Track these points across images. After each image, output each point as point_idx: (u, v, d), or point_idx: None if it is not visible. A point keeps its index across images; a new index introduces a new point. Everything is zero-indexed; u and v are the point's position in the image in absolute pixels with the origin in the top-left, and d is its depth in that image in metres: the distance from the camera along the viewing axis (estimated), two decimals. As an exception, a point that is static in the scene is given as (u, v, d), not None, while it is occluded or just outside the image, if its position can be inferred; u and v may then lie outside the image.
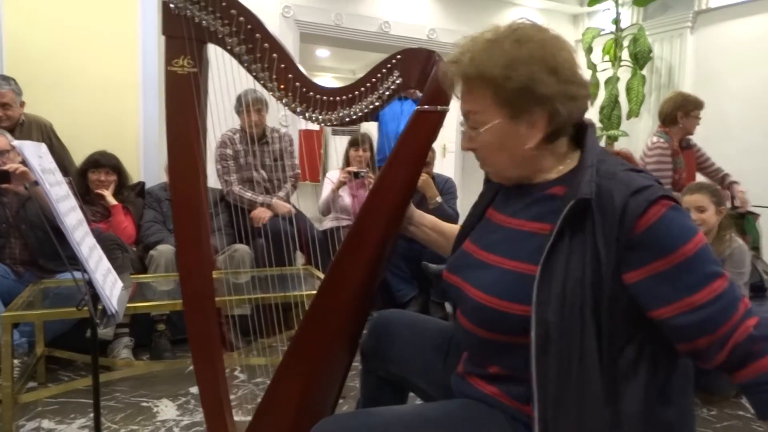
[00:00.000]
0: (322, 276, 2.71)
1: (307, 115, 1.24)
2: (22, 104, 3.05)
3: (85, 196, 2.98)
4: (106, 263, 1.41)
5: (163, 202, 3.18)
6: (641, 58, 4.72)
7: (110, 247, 2.62)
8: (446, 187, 3.48)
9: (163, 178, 3.35)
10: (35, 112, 3.17)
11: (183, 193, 1.26)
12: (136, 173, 3.53)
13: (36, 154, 1.20)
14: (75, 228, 1.26)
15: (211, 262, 1.29)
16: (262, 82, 1.24)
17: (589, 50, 4.98)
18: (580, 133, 0.99)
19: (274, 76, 1.22)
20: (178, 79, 1.22)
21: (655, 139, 3.45)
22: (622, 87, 4.86)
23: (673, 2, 4.95)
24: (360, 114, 1.24)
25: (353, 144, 3.56)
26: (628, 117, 4.84)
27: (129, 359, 2.65)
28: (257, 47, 1.21)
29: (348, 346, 1.27)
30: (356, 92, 1.23)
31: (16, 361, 2.28)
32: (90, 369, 2.38)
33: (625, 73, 4.89)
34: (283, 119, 4.38)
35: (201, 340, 1.30)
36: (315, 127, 7.87)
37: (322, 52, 7.49)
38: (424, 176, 3.17)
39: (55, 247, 2.56)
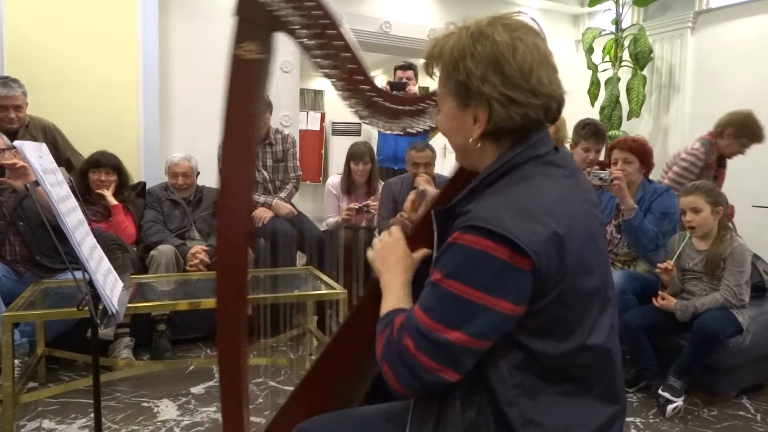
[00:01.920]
0: (323, 277, 2.72)
1: (370, 120, 1.22)
2: (26, 105, 3.06)
3: (86, 195, 2.98)
4: (106, 263, 1.41)
5: (164, 202, 3.18)
6: (642, 58, 4.72)
7: (111, 247, 2.62)
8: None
9: (164, 178, 3.35)
10: (36, 112, 3.17)
11: (233, 182, 1.22)
12: (136, 173, 3.53)
13: (36, 154, 1.19)
14: (76, 228, 1.26)
15: (246, 259, 1.26)
16: (330, 79, 1.21)
17: (589, 50, 4.98)
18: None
19: (343, 76, 1.20)
20: (242, 64, 1.19)
21: (697, 145, 3.28)
22: (622, 87, 4.86)
23: (673, 2, 4.96)
24: (420, 129, 1.22)
25: (353, 157, 3.44)
26: (629, 117, 4.84)
27: (129, 359, 2.65)
28: (329, 44, 1.18)
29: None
30: (421, 105, 1.21)
31: (16, 361, 2.28)
32: (90, 369, 2.39)
33: (625, 74, 4.89)
34: (284, 120, 4.39)
35: (229, 337, 1.28)
36: (316, 127, 7.89)
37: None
38: (425, 177, 3.16)
39: (54, 244, 2.58)
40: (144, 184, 3.34)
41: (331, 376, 1.20)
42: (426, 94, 1.21)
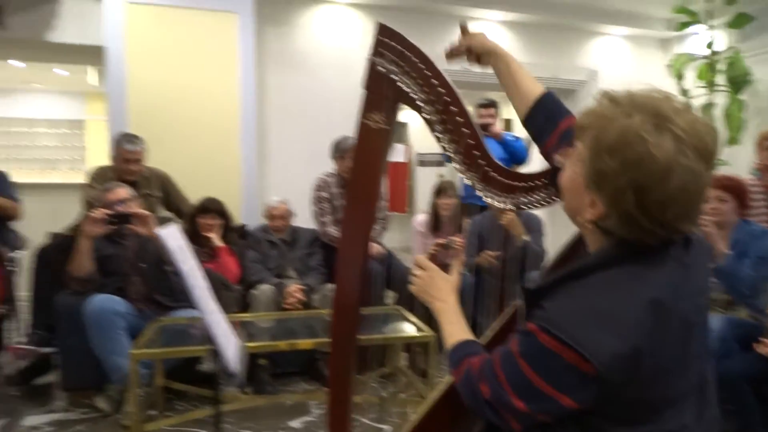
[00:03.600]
0: (411, 318, 2.82)
1: (485, 194, 1.25)
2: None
3: (195, 238, 3.28)
4: (225, 324, 1.59)
5: (263, 242, 3.43)
6: (739, 82, 4.52)
7: (217, 286, 2.87)
8: (531, 224, 3.44)
9: (262, 219, 3.61)
10: (150, 162, 3.54)
11: (354, 238, 1.33)
12: (237, 215, 3.83)
13: (172, 237, 1.41)
14: (203, 297, 1.45)
15: (358, 303, 1.36)
16: (448, 153, 1.27)
17: (679, 76, 4.83)
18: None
19: (461, 150, 1.25)
20: (369, 132, 1.29)
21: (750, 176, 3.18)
22: (718, 113, 4.65)
23: (772, 22, 4.72)
24: (536, 203, 1.24)
25: (439, 192, 3.58)
26: (729, 144, 4.62)
27: (235, 393, 2.86)
28: (451, 120, 1.25)
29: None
30: (535, 182, 1.24)
31: (138, 391, 2.54)
32: (203, 400, 2.62)
33: (721, 99, 4.69)
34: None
35: (340, 377, 1.39)
36: (402, 159, 8.07)
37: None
38: (509, 215, 3.20)
39: (170, 283, 2.86)
40: (244, 226, 3.61)
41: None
42: (542, 172, 1.23)
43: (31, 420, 2.68)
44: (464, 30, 1.34)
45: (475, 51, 1.32)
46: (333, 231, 3.45)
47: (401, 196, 7.51)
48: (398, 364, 2.88)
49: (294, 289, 3.13)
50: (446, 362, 1.07)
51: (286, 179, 4.26)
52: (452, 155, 1.26)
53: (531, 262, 3.18)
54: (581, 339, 0.82)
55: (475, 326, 2.94)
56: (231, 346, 1.51)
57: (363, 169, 1.33)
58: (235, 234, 3.46)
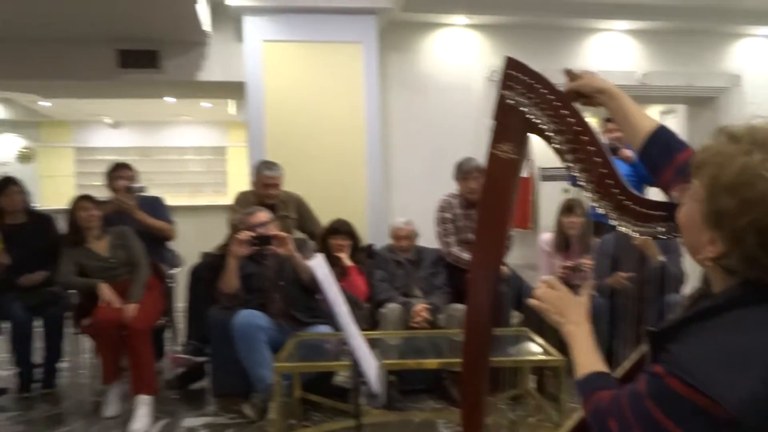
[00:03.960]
0: (539, 340, 2.78)
1: (620, 223, 1.22)
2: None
3: (326, 258, 3.47)
4: (366, 348, 1.71)
5: (389, 262, 3.56)
6: None
7: (349, 304, 3.03)
8: (668, 245, 3.23)
9: (388, 240, 3.74)
10: (285, 186, 3.81)
11: (485, 261, 1.39)
12: (364, 235, 4.00)
13: (320, 267, 1.56)
14: (346, 321, 1.58)
15: (490, 325, 1.40)
16: (580, 182, 1.26)
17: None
18: None
19: (593, 179, 1.24)
20: (499, 162, 1.32)
21: None
22: None
23: None
24: (675, 231, 1.17)
25: (565, 210, 3.48)
26: None
27: (367, 408, 2.99)
28: (582, 149, 1.25)
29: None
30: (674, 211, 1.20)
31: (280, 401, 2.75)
32: (337, 413, 2.76)
33: None
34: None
35: (473, 399, 1.43)
36: (524, 174, 7.95)
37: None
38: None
39: (306, 301, 3.06)
40: (371, 246, 3.77)
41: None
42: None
43: (188, 422, 3.00)
44: (570, 74, 1.32)
45: (584, 93, 1.29)
46: (457, 251, 3.50)
47: (524, 212, 7.37)
48: (527, 386, 2.85)
49: (420, 308, 3.22)
50: (576, 389, 1.07)
51: (410, 200, 4.38)
52: (584, 184, 1.24)
53: (669, 284, 3.01)
54: (713, 383, 0.79)
55: (609, 352, 2.86)
56: (372, 367, 1.61)
57: (493, 198, 1.36)
58: (363, 254, 3.63)
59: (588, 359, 1.09)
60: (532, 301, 1.21)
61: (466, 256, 3.47)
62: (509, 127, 1.32)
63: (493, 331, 1.42)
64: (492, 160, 1.34)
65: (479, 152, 3.68)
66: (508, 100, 1.31)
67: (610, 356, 3.21)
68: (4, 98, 7.60)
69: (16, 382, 3.46)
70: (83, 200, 3.37)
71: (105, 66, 4.42)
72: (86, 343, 3.53)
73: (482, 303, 1.40)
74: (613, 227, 1.27)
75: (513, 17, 4.61)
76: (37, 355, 3.51)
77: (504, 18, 4.62)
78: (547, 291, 1.19)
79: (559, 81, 1.32)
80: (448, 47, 4.73)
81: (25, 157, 8.72)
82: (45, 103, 7.28)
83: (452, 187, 3.68)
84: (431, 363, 2.60)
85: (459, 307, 3.21)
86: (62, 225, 3.51)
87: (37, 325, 3.45)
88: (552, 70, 1.30)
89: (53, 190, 8.29)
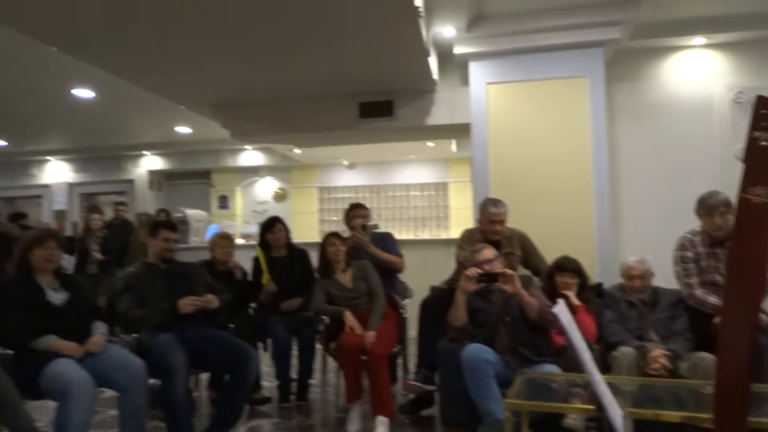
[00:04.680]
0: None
1: None
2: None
3: (552, 296, 3.44)
4: (610, 395, 1.70)
5: (621, 302, 3.38)
6: None
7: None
8: None
9: (617, 278, 3.56)
10: (509, 223, 3.89)
11: (738, 310, 1.34)
12: (591, 274, 3.87)
13: (563, 313, 1.62)
14: (591, 367, 1.60)
15: (747, 379, 1.33)
16: None
17: None
18: None
19: None
20: (751, 207, 1.29)
21: None
22: None
23: None
24: None
25: None
26: None
27: (597, 454, 2.87)
28: None
29: None
30: None
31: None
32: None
33: None
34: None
35: None
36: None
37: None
38: None
39: (532, 338, 3.07)
40: (601, 284, 3.63)
41: None
42: None
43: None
44: None
45: None
46: (701, 294, 3.19)
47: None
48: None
49: (658, 353, 2.99)
50: None
51: (642, 236, 4.14)
52: None
53: None
54: None
55: None
56: (616, 414, 1.59)
57: (746, 243, 1.31)
58: (592, 293, 3.51)
59: None
60: None
61: (712, 299, 3.14)
62: (762, 169, 1.27)
63: (750, 386, 1.33)
64: (743, 204, 1.30)
65: (723, 182, 3.35)
66: (762, 142, 1.26)
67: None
68: (265, 148, 9.08)
69: (277, 394, 4.06)
70: (332, 237, 3.88)
71: (348, 117, 5.06)
72: (332, 363, 3.99)
73: (737, 354, 1.32)
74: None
75: (757, 32, 4.12)
76: (293, 371, 4.08)
77: (745, 34, 4.16)
78: None
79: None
80: (681, 71, 4.41)
81: (280, 197, 10.23)
82: (297, 150, 8.50)
83: (691, 220, 3.38)
84: (673, 416, 2.40)
85: (705, 356, 2.91)
86: (313, 257, 4.08)
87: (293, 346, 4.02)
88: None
89: (302, 225, 9.53)
